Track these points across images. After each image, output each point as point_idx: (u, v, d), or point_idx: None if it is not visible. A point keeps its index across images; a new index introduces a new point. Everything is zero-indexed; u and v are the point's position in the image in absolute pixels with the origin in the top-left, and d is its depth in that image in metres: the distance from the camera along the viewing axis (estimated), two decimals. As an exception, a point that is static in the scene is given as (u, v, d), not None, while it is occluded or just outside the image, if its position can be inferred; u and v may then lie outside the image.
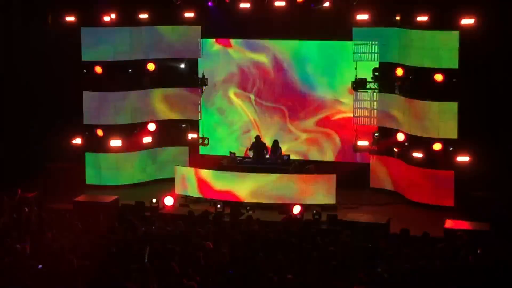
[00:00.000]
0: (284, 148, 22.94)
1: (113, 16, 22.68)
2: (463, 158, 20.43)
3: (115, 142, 23.05)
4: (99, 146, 23.28)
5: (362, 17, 21.50)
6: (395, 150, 22.00)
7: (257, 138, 22.66)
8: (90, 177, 23.41)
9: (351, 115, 22.58)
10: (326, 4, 21.61)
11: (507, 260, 14.64)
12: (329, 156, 23.47)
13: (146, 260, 14.22)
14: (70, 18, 22.83)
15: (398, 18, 21.44)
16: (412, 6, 20.57)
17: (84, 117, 23.18)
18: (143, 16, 22.93)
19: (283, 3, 21.97)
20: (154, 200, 20.22)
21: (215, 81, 24.14)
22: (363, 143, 22.35)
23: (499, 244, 15.91)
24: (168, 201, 20.42)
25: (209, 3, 22.87)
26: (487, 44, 19.36)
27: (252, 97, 24.02)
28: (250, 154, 22.61)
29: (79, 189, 21.92)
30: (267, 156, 22.37)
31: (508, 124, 19.43)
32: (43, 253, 15.10)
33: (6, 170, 21.77)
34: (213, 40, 24.05)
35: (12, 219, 17.99)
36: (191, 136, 23.77)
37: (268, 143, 22.82)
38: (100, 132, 23.22)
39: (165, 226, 17.21)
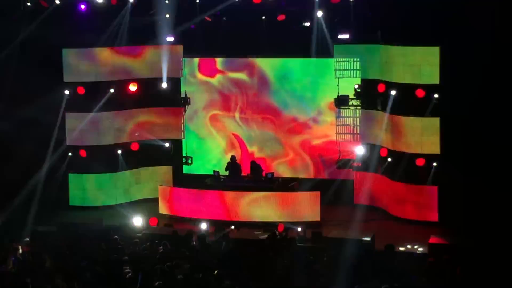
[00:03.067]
0: (275, 161, 23.16)
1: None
2: (446, 173, 20.47)
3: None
4: (82, 167, 23.20)
5: (344, 36, 21.60)
6: (378, 166, 22.06)
7: (232, 158, 22.76)
8: (74, 198, 23.30)
9: (334, 132, 22.63)
10: (307, 24, 21.68)
11: (490, 275, 14.70)
12: (312, 173, 23.48)
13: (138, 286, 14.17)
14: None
15: (379, 34, 21.57)
16: (393, 22, 20.67)
17: (67, 138, 23.10)
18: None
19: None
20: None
21: (196, 108, 24.16)
22: (346, 159, 22.37)
23: (483, 260, 15.95)
24: (152, 221, 20.39)
25: (192, 26, 22.94)
26: (467, 59, 19.49)
27: (237, 115, 24.05)
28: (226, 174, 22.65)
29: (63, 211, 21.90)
30: (243, 175, 22.56)
31: (490, 138, 19.52)
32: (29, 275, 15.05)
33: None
34: (197, 70, 24.11)
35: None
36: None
37: (260, 154, 22.98)
38: (83, 153, 23.15)
39: (149, 247, 17.14)
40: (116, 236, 18.28)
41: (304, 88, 23.42)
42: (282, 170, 23.50)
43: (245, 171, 22.89)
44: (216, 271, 14.41)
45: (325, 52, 22.12)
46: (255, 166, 22.56)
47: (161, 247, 16.95)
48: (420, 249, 18.37)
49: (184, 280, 14.30)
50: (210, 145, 24.46)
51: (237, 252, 16.65)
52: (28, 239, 17.59)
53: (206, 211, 21.13)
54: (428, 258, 16.48)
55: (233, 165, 22.61)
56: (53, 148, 22.98)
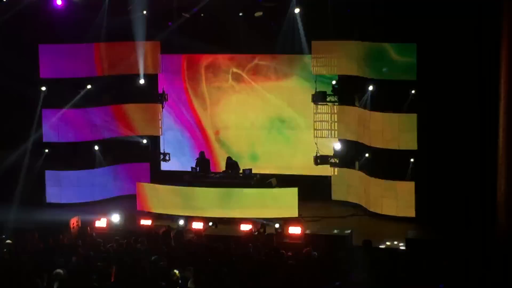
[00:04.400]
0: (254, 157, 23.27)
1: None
2: (423, 169, 20.57)
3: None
4: (59, 163, 23.08)
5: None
6: (356, 162, 22.14)
7: (201, 154, 22.84)
8: (51, 195, 23.17)
9: (312, 128, 22.66)
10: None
11: (466, 269, 14.80)
12: (290, 169, 23.43)
13: (112, 280, 14.15)
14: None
15: (356, 31, 21.60)
16: (370, 19, 20.73)
17: (44, 135, 22.98)
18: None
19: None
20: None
21: (174, 104, 24.17)
22: (324, 155, 22.43)
23: (458, 254, 16.06)
24: (130, 218, 20.34)
25: (169, 23, 22.88)
26: (444, 56, 19.61)
27: (215, 110, 24.04)
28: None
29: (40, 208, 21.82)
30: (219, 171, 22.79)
31: (467, 133, 19.65)
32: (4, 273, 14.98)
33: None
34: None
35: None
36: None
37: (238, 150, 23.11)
38: (60, 150, 23.03)
39: (126, 244, 17.09)
40: (93, 233, 18.29)
41: (281, 84, 23.41)
42: (260, 166, 23.42)
43: (215, 167, 23.00)
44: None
45: (301, 48, 22.16)
46: (231, 162, 22.57)
47: (139, 244, 16.95)
48: (398, 244, 18.45)
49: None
50: (188, 142, 24.40)
51: (204, 248, 16.66)
52: (10, 241, 17.41)
53: (184, 208, 21.09)
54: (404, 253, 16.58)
55: (202, 160, 22.66)
56: (30, 145, 22.84)
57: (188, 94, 24.18)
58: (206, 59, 23.87)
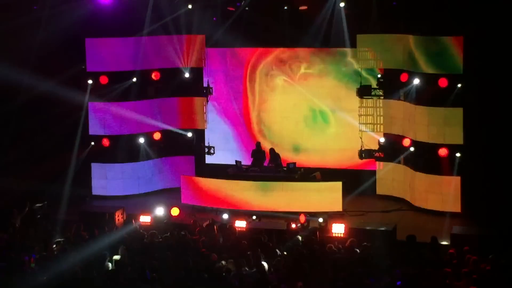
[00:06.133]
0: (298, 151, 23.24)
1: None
2: (469, 163, 20.34)
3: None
4: (105, 156, 23.30)
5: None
6: (401, 156, 21.97)
7: (257, 145, 22.83)
8: (97, 188, 23.41)
9: (356, 122, 22.54)
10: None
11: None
12: (334, 163, 23.35)
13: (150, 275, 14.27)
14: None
15: (402, 24, 21.43)
16: (416, 12, 20.55)
17: (90, 128, 23.21)
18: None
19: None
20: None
21: (220, 98, 24.22)
22: (368, 149, 22.30)
23: (507, 250, 15.85)
24: (174, 211, 20.42)
25: (214, 18, 22.96)
26: (491, 49, 19.36)
27: (261, 106, 24.07)
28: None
29: (85, 200, 22.08)
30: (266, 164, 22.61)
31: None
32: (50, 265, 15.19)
33: (15, 182, 21.72)
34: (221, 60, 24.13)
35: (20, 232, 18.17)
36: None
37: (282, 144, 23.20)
38: (106, 142, 23.26)
39: (171, 236, 17.20)
40: (136, 225, 18.44)
41: (326, 78, 23.32)
42: (304, 160, 23.38)
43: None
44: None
45: (344, 42, 22.05)
46: (274, 154, 22.56)
47: (182, 237, 17.03)
48: (443, 241, 18.28)
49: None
50: (233, 136, 24.44)
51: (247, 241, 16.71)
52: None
53: (228, 201, 21.15)
54: (449, 249, 16.40)
55: (258, 152, 22.66)
56: (79, 138, 23.10)
57: (246, 90, 24.15)
58: (261, 63, 23.85)
